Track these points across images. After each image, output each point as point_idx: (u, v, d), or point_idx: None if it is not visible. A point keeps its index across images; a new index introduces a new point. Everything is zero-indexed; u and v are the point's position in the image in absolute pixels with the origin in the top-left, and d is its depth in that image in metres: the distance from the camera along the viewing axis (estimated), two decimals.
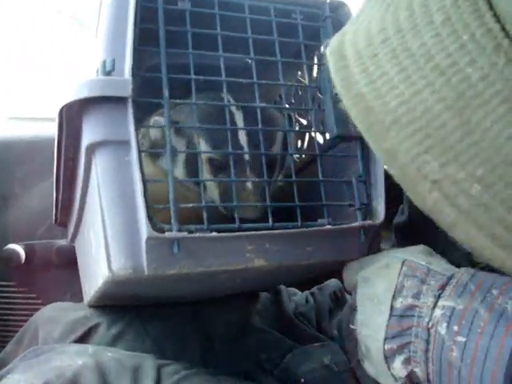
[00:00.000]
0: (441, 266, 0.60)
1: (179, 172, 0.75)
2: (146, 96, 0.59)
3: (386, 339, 0.57)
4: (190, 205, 0.58)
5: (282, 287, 1.08)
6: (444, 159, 0.34)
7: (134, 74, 0.58)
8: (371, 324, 0.59)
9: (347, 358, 0.82)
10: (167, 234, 0.55)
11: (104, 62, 0.57)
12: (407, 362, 0.57)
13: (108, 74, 0.57)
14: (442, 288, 0.56)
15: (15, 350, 0.89)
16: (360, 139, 0.66)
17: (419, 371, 0.56)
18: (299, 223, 0.62)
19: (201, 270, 0.59)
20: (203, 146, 0.71)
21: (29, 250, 1.08)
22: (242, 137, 0.70)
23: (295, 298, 1.09)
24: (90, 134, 0.58)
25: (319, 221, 0.64)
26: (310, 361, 0.86)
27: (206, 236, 0.57)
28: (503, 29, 0.35)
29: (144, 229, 0.55)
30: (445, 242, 0.77)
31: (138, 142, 0.56)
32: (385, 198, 0.66)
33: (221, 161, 0.72)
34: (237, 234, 0.59)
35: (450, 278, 0.57)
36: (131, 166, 0.57)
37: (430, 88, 0.35)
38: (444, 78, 0.35)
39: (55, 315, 0.87)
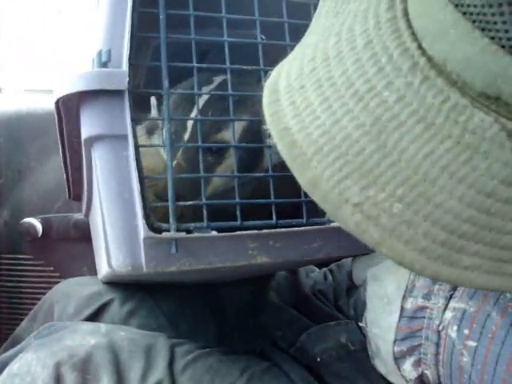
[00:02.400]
0: None
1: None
2: (151, 81, 0.56)
3: (395, 341, 0.56)
4: (190, 202, 0.56)
5: None
6: (364, 183, 0.35)
7: (132, 64, 0.55)
8: (381, 324, 0.58)
9: (364, 337, 0.81)
10: (164, 235, 0.54)
11: (100, 53, 0.54)
12: (417, 363, 0.56)
13: (104, 65, 0.54)
14: (454, 288, 0.54)
15: (30, 326, 0.90)
16: None
17: (429, 373, 0.55)
18: (304, 220, 0.60)
19: (201, 267, 0.58)
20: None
21: (46, 224, 1.09)
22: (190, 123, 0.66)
23: (313, 274, 1.08)
24: (87, 127, 0.56)
25: (327, 216, 0.61)
26: (325, 340, 0.85)
27: (206, 236, 0.55)
28: (420, 47, 0.35)
29: (141, 228, 0.54)
30: None
31: (135, 136, 0.54)
32: None
33: None
34: (238, 233, 0.57)
35: None
36: (129, 162, 0.55)
37: (350, 115, 0.36)
38: (362, 103, 0.36)
39: (69, 291, 0.88)
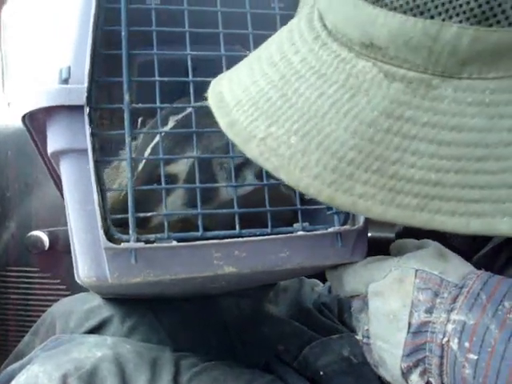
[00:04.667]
0: (455, 271, 0.57)
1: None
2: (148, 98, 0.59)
3: (403, 356, 0.55)
4: (150, 213, 0.57)
5: (304, 278, 1.06)
6: (268, 122, 0.44)
7: (94, 80, 0.57)
8: (388, 339, 0.57)
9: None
10: (123, 245, 0.55)
11: (60, 70, 0.56)
12: (423, 373, 0.55)
13: (65, 81, 0.56)
14: (454, 300, 0.54)
15: (32, 341, 0.93)
16: None
17: (434, 382, 0.55)
18: (269, 229, 0.59)
19: (167, 277, 0.58)
20: None
21: (52, 237, 1.11)
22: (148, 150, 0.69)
23: (318, 288, 1.07)
24: (52, 142, 0.58)
25: (294, 225, 0.61)
26: (328, 353, 0.85)
27: (165, 246, 0.56)
28: (324, 25, 0.46)
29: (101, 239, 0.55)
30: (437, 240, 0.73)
31: (94, 150, 0.56)
32: None
33: None
34: (199, 242, 0.57)
35: (462, 287, 0.55)
36: (91, 175, 0.56)
37: (265, 77, 0.46)
38: (275, 68, 0.46)
39: (70, 306, 0.91)
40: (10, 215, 1.17)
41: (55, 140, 0.58)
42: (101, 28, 0.59)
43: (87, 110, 0.56)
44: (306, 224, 0.61)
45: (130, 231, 0.55)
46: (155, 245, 0.56)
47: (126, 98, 0.57)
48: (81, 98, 0.55)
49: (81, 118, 0.56)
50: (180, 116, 0.70)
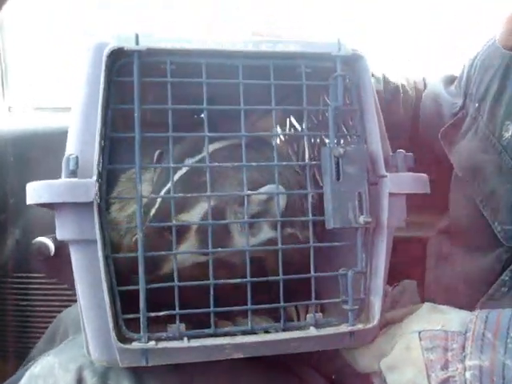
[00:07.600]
0: (454, 319, 0.58)
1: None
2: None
3: None
4: (163, 313, 0.55)
5: None
6: None
7: (103, 169, 0.54)
8: None
9: None
10: (134, 345, 0.54)
11: (68, 160, 0.52)
12: None
13: (72, 173, 0.52)
14: (463, 348, 0.55)
15: (49, 349, 0.94)
16: (360, 229, 0.59)
17: None
18: (282, 325, 0.58)
19: (175, 362, 0.58)
20: None
21: (58, 243, 1.09)
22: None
23: None
24: (60, 231, 0.56)
25: (307, 317, 0.59)
26: (339, 356, 0.85)
27: (177, 347, 0.55)
28: None
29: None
30: (481, 241, 0.73)
31: (104, 244, 0.53)
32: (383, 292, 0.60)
33: None
34: (211, 343, 0.56)
35: (466, 332, 0.55)
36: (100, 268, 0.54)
37: None
38: None
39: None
40: (14, 222, 1.14)
41: (63, 230, 0.55)
42: (111, 107, 0.55)
43: (96, 204, 0.52)
44: (319, 316, 0.59)
45: (141, 331, 0.54)
46: (166, 345, 0.54)
47: (139, 188, 0.54)
48: (89, 195, 0.52)
49: (89, 211, 0.53)
50: (197, 158, 0.68)
